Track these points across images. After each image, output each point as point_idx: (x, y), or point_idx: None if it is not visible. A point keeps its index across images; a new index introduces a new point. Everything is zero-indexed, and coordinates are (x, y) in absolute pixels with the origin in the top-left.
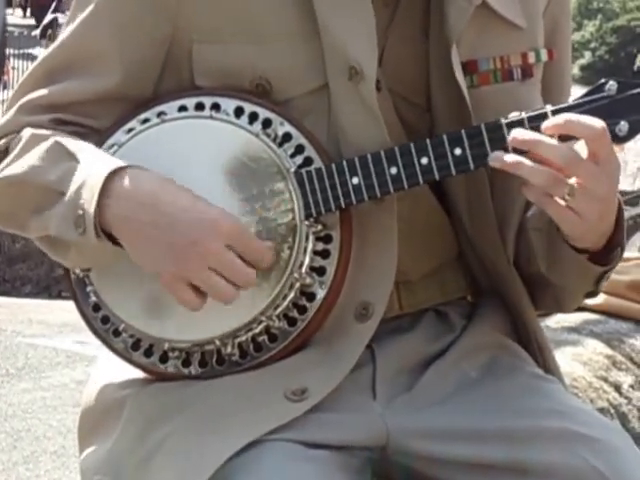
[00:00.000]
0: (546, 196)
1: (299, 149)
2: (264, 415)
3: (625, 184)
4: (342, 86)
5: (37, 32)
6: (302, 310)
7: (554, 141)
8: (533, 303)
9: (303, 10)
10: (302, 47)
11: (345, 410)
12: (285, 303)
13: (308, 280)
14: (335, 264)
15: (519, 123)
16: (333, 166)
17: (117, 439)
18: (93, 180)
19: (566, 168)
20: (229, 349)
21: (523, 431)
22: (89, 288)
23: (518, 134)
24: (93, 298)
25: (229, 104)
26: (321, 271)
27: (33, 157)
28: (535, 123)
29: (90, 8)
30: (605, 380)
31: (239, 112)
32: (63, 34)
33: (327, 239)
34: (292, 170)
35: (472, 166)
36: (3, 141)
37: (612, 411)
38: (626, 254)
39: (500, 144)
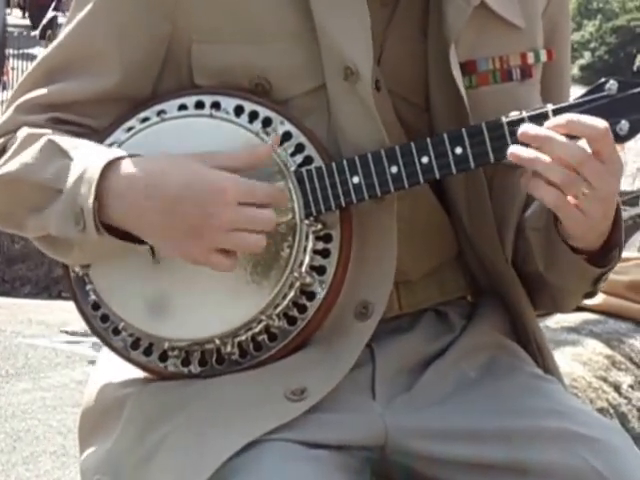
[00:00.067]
0: (556, 193)
1: (299, 148)
2: (264, 415)
3: (625, 184)
4: (339, 86)
5: (36, 32)
6: (302, 309)
7: (564, 138)
8: (531, 303)
9: (301, 10)
10: (300, 47)
11: (344, 410)
12: (285, 302)
13: (308, 279)
14: (335, 263)
15: (520, 122)
16: (333, 165)
17: (117, 439)
18: (89, 174)
19: (577, 166)
20: (229, 348)
21: (522, 431)
22: (88, 286)
23: (529, 129)
24: (92, 296)
25: (229, 103)
26: (321, 270)
27: (27, 156)
28: (536, 122)
29: (88, 8)
30: (605, 380)
31: (239, 111)
32: (62, 34)
33: (327, 238)
34: (292, 169)
35: (473, 165)
36: (1, 141)
37: (611, 411)
38: (625, 254)
39: (500, 143)
